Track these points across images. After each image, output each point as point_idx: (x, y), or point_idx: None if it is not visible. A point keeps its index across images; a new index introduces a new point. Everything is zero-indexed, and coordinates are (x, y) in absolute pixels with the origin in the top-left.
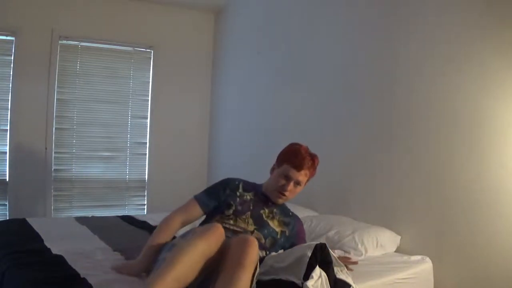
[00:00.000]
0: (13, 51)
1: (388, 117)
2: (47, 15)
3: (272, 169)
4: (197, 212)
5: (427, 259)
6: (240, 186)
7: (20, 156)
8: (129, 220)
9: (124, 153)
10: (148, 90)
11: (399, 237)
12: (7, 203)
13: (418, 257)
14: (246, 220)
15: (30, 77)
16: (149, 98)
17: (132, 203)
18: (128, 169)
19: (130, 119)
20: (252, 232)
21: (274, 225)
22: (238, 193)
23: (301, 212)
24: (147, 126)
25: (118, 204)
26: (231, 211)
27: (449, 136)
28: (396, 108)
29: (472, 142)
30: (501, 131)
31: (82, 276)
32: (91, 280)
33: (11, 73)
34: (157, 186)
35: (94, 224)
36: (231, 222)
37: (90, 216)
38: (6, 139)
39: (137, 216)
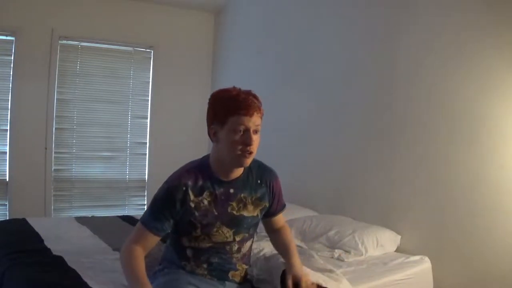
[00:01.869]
0: (13, 51)
1: (388, 117)
2: (47, 15)
3: (214, 133)
4: (155, 240)
5: (426, 259)
6: (189, 192)
7: (20, 156)
8: (129, 220)
9: (124, 153)
10: (148, 90)
11: (399, 237)
12: (7, 203)
13: (417, 257)
14: (220, 231)
15: (30, 77)
16: (149, 98)
17: (132, 203)
18: (128, 169)
19: (130, 119)
20: (234, 238)
21: (250, 212)
22: (192, 205)
23: (301, 212)
24: (147, 126)
25: (118, 204)
26: (198, 231)
27: (449, 135)
28: (396, 108)
29: (472, 142)
30: (501, 131)
31: (81, 276)
32: (90, 281)
33: (11, 73)
34: (157, 186)
35: (94, 224)
36: (206, 242)
37: (90, 216)
38: (6, 139)
39: (137, 216)
